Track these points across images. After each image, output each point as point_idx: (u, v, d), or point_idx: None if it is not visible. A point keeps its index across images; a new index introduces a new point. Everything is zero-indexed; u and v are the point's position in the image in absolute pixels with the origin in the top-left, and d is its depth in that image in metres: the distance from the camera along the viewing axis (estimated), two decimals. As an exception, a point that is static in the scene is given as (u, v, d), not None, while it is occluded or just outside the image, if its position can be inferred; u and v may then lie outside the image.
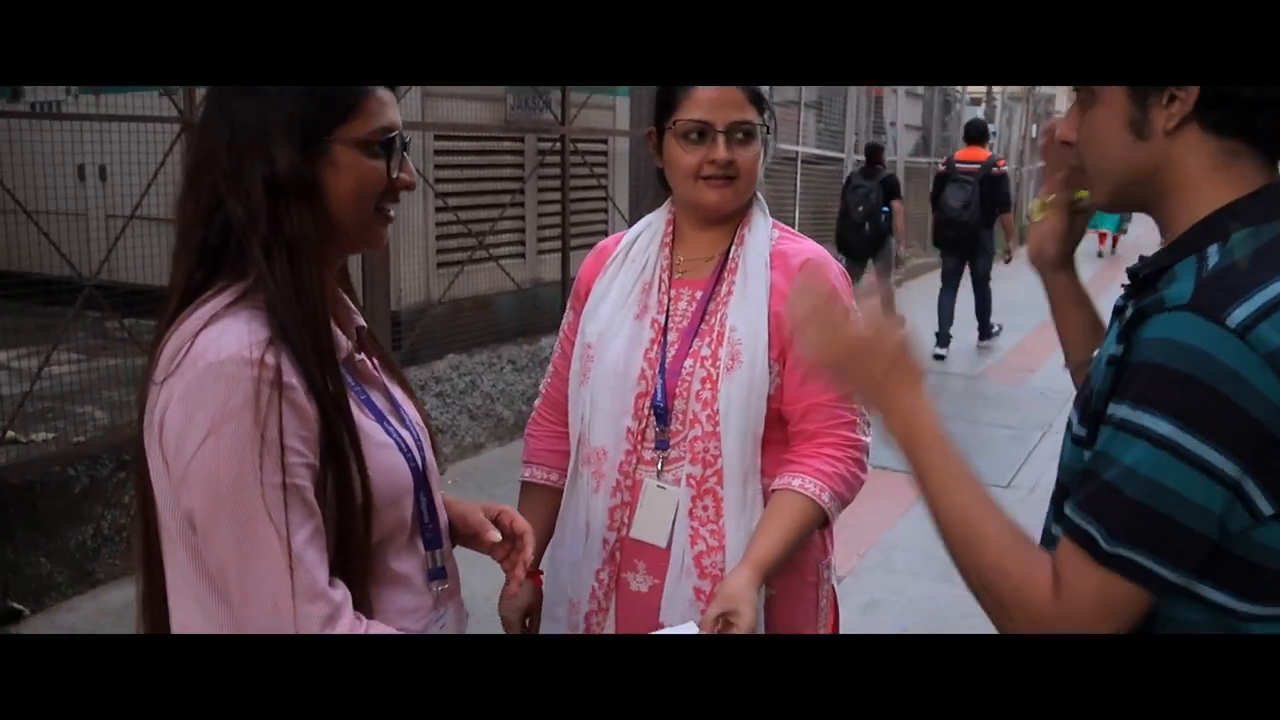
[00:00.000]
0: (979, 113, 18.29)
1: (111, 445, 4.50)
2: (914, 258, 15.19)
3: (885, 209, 9.27)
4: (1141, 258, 1.27)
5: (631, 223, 7.64)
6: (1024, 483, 5.83)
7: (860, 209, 9.24)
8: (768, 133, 1.86)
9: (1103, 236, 18.47)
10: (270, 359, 1.18)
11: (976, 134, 9.62)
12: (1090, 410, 1.15)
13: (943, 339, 9.13)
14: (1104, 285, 15.01)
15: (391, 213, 1.38)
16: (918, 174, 16.14)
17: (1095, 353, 1.31)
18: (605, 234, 7.62)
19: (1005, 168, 9.80)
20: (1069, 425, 1.24)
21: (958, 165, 9.27)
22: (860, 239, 9.21)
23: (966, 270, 9.34)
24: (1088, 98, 1.22)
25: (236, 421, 1.15)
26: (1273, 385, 1.01)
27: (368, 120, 1.30)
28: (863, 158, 11.83)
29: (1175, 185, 1.18)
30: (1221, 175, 1.16)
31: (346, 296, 1.45)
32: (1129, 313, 1.19)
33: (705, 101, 1.80)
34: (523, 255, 6.97)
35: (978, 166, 9.16)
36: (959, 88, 18.06)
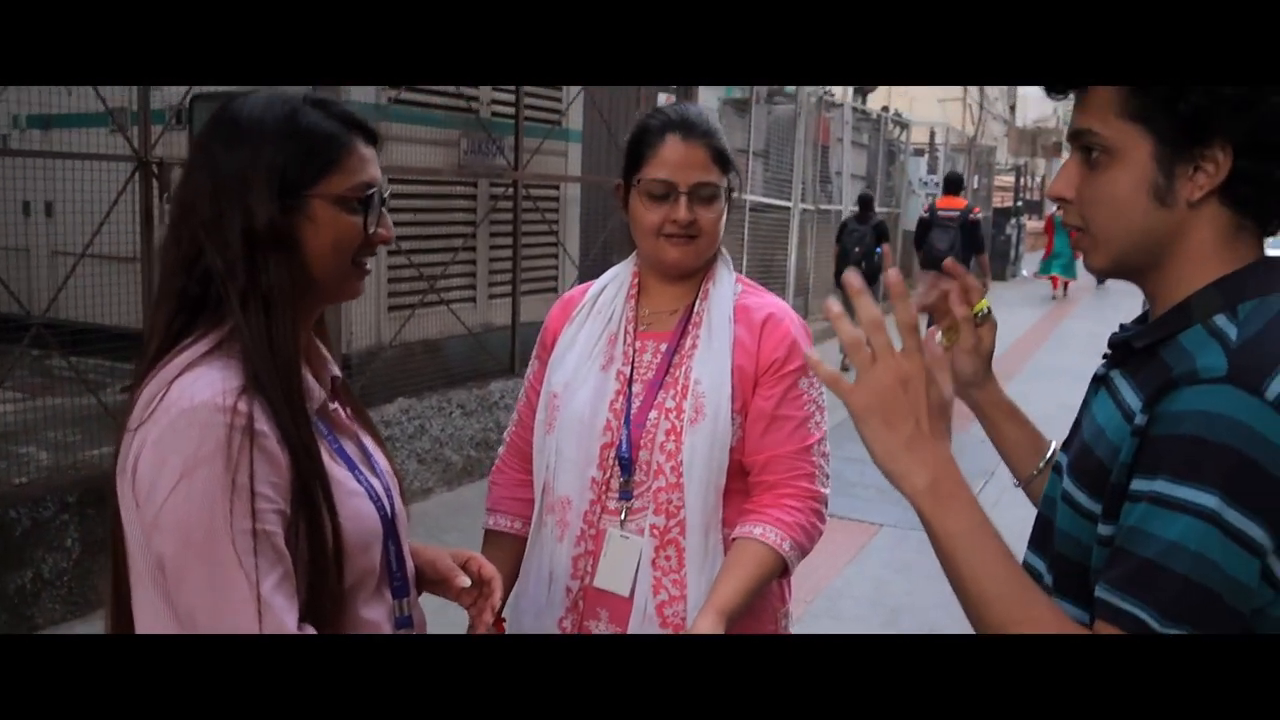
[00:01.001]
0: (922, 163, 18.68)
1: (54, 487, 4.44)
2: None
3: (878, 250, 10.62)
4: (1122, 326, 1.28)
5: (581, 268, 7.69)
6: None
7: (856, 250, 10.72)
8: (731, 193, 1.92)
9: (1055, 280, 19.98)
10: (243, 406, 1.21)
11: (954, 185, 11.41)
12: (1110, 483, 1.12)
13: None
14: (1059, 319, 15.35)
15: (368, 265, 1.41)
16: (862, 223, 16.36)
17: (1068, 437, 1.32)
18: (556, 279, 7.65)
19: (980, 214, 11.65)
20: (1065, 496, 1.22)
21: (940, 213, 10.87)
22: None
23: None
24: (1105, 158, 1.19)
25: (208, 467, 1.18)
26: None
27: (347, 176, 1.33)
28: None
29: (1179, 255, 1.18)
30: (1225, 249, 1.17)
31: (322, 346, 1.47)
32: (1113, 376, 1.22)
33: (670, 161, 1.85)
34: (474, 299, 6.98)
35: (957, 214, 10.75)
36: (903, 139, 18.40)
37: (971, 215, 10.92)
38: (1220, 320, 1.12)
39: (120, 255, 5.02)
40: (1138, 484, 1.07)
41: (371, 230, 1.37)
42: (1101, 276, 1.29)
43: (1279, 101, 1.10)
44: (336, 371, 1.48)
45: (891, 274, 1.15)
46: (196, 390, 1.21)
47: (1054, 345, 13.49)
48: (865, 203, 11.41)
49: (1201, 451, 1.02)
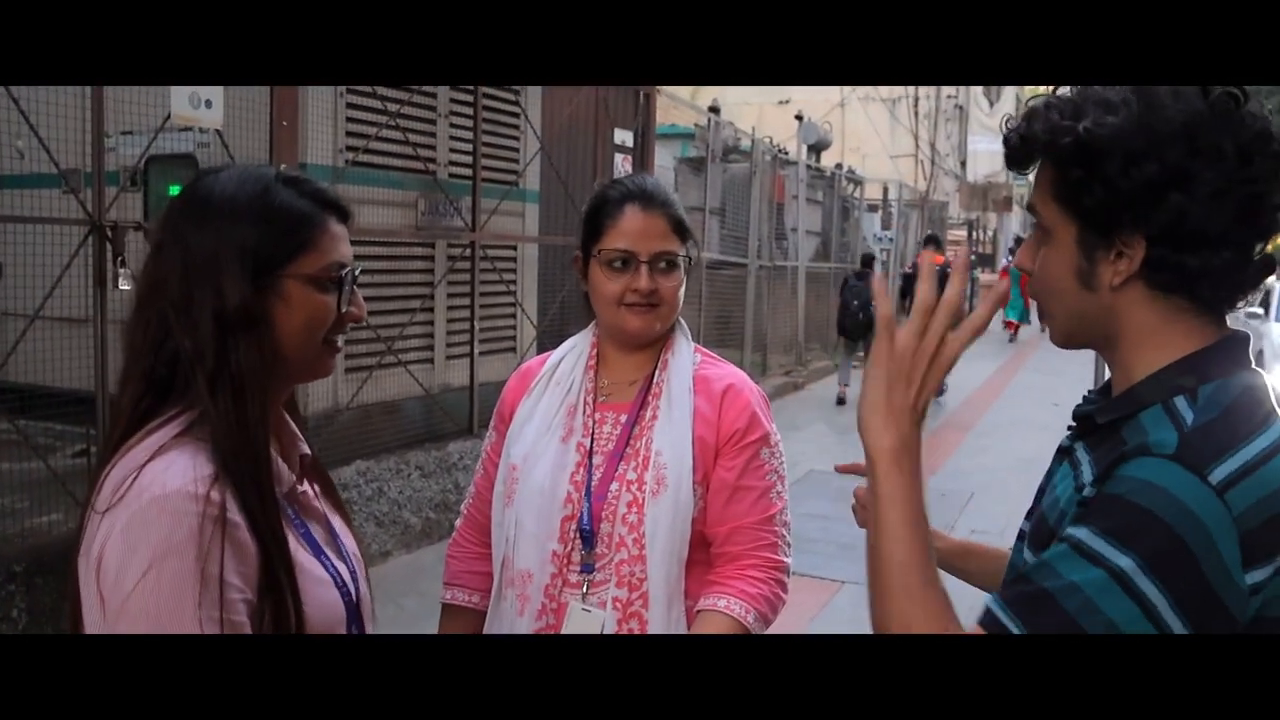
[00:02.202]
0: (876, 219, 18.97)
1: (0, 556, 4.34)
2: (814, 360, 15.51)
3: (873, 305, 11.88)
4: (1086, 398, 1.31)
5: (539, 328, 7.66)
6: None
7: (855, 303, 12.38)
8: (690, 262, 1.94)
9: (1010, 324, 21.22)
10: (216, 495, 1.19)
11: (935, 243, 14.42)
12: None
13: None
14: (1014, 371, 15.69)
15: (339, 343, 1.40)
16: (818, 278, 16.56)
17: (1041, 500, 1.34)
18: (514, 340, 7.65)
19: None
20: (1019, 552, 1.25)
21: None
22: (857, 325, 12.45)
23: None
24: (1044, 235, 1.24)
25: (179, 557, 1.16)
26: (1233, 551, 1.04)
27: (321, 255, 1.33)
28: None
29: (1124, 335, 1.21)
30: (1171, 329, 1.19)
31: (292, 422, 1.46)
32: (1076, 449, 1.24)
33: (630, 231, 1.87)
34: (431, 360, 6.95)
35: (938, 267, 11.66)
36: (856, 195, 18.66)
37: (949, 269, 12.67)
38: (1180, 402, 1.14)
39: (72, 317, 4.96)
40: (1069, 530, 1.10)
41: (344, 309, 1.36)
42: (1062, 347, 1.32)
43: (1179, 199, 1.13)
44: (306, 449, 1.46)
45: (924, 256, 1.24)
46: (169, 477, 1.19)
47: (1009, 398, 13.64)
48: (867, 261, 13.81)
49: (1132, 514, 1.05)
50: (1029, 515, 1.33)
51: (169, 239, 1.31)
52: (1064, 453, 1.30)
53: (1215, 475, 1.05)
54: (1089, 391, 1.36)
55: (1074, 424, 1.30)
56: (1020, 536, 1.32)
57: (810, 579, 5.88)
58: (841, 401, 12.44)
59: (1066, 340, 1.29)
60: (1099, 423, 1.22)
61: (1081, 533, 1.08)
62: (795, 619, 5.30)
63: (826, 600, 5.67)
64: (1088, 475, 1.18)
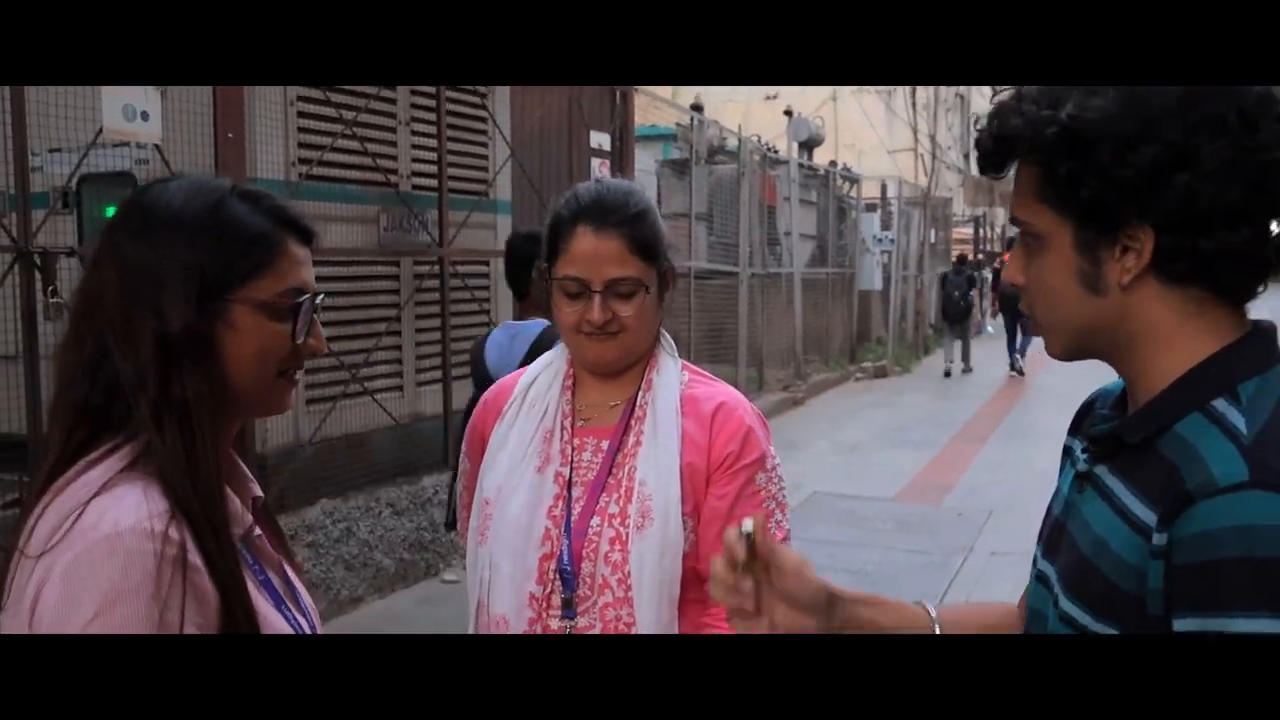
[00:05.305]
0: (875, 219, 18.99)
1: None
2: (814, 373, 15.50)
3: (970, 292, 17.01)
4: (1102, 416, 1.26)
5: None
6: (947, 614, 5.86)
7: (956, 293, 17.24)
8: (663, 279, 1.88)
9: None
10: (174, 534, 1.14)
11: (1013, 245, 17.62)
12: (1147, 615, 1.08)
13: (1014, 364, 16.92)
14: (1024, 383, 15.89)
15: (296, 376, 1.36)
16: (815, 285, 16.56)
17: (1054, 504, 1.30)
18: (489, 361, 7.58)
19: None
20: (1065, 618, 1.17)
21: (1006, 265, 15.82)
22: (957, 311, 17.31)
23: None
24: (1035, 243, 1.20)
25: (130, 602, 1.10)
26: None
27: (276, 280, 1.29)
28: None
29: (1141, 338, 1.16)
30: (1193, 325, 1.14)
31: (240, 462, 1.41)
32: (1101, 475, 1.18)
33: (582, 257, 1.81)
34: (400, 388, 6.88)
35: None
36: (853, 194, 18.69)
37: None
38: (1221, 405, 1.10)
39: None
40: (1202, 622, 1.03)
41: (300, 340, 1.32)
42: (1063, 360, 1.27)
43: (1184, 179, 1.09)
44: (258, 491, 1.42)
45: (715, 564, 1.25)
46: (120, 513, 1.13)
47: (1025, 405, 13.66)
48: (962, 259, 19.25)
49: (1248, 573, 1.00)
50: (1047, 552, 1.27)
51: (106, 252, 1.26)
52: (1085, 479, 1.23)
53: None
54: (1101, 408, 1.31)
55: (1090, 446, 1.24)
56: (1042, 582, 1.26)
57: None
58: (947, 374, 17.09)
59: (1068, 353, 1.24)
60: (1128, 443, 1.16)
61: (1239, 623, 1.01)
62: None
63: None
64: (1141, 512, 1.11)
